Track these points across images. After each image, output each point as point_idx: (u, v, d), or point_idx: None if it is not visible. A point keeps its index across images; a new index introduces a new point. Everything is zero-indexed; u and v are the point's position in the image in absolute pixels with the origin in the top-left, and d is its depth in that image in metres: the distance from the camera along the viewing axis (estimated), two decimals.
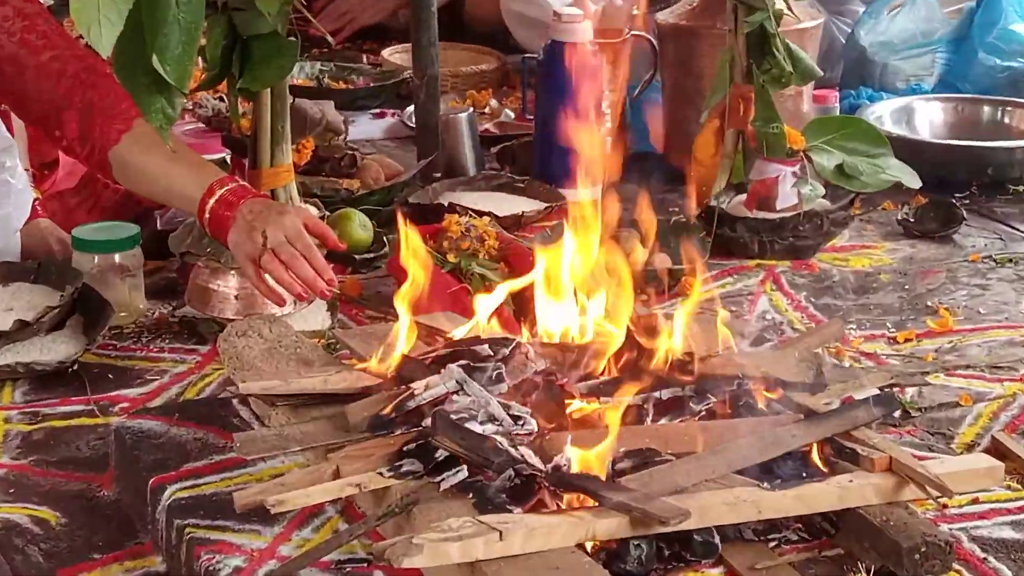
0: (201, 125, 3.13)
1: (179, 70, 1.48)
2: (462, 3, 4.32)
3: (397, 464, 1.75)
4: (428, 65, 3.17)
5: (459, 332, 2.04)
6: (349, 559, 1.70)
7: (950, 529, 1.79)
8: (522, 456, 1.72)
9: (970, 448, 2.10)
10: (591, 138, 3.10)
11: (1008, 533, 1.80)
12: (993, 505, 1.86)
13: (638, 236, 2.69)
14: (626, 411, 1.86)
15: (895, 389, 2.17)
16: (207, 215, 2.27)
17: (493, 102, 3.74)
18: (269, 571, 1.69)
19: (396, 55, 4.01)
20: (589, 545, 1.65)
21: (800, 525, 1.75)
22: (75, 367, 2.35)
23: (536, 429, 1.81)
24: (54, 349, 2.36)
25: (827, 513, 1.74)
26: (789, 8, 2.79)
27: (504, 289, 2.08)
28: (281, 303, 2.34)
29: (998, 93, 3.49)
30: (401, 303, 2.02)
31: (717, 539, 1.69)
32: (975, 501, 1.86)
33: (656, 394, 1.89)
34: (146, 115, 1.47)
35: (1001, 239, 2.94)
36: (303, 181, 2.78)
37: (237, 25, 2.38)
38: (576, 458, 1.72)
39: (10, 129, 2.66)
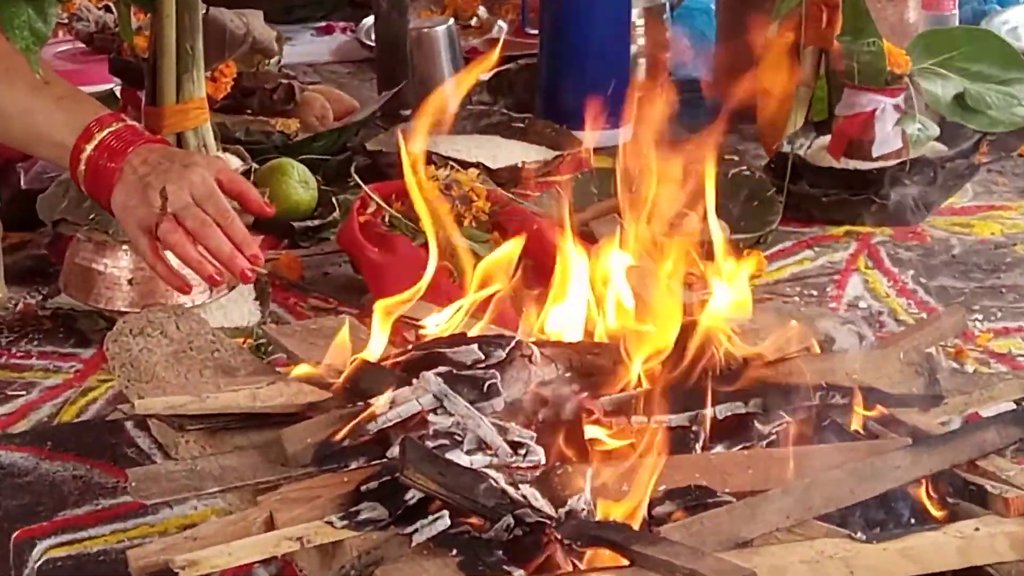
0: (80, 45, 3.14)
1: None
2: None
3: (353, 510, 1.74)
4: None
5: (436, 326, 2.04)
6: None
7: None
8: (524, 498, 1.72)
9: None
10: (618, 61, 3.14)
11: None
12: None
13: (683, 195, 2.72)
14: (668, 435, 1.86)
15: None
16: (82, 167, 2.22)
17: (482, 11, 3.75)
18: None
19: None
20: None
21: None
22: None
23: (544, 461, 1.82)
24: None
25: (945, 574, 1.74)
26: None
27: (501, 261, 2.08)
28: (186, 289, 2.31)
29: None
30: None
31: None
32: None
33: (709, 411, 1.89)
34: (7, 32, 1.46)
35: None
36: (221, 121, 2.80)
37: None
38: (600, 501, 1.72)
39: None
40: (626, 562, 1.67)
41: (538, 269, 2.19)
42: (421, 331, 2.06)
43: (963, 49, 2.87)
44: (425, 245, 2.44)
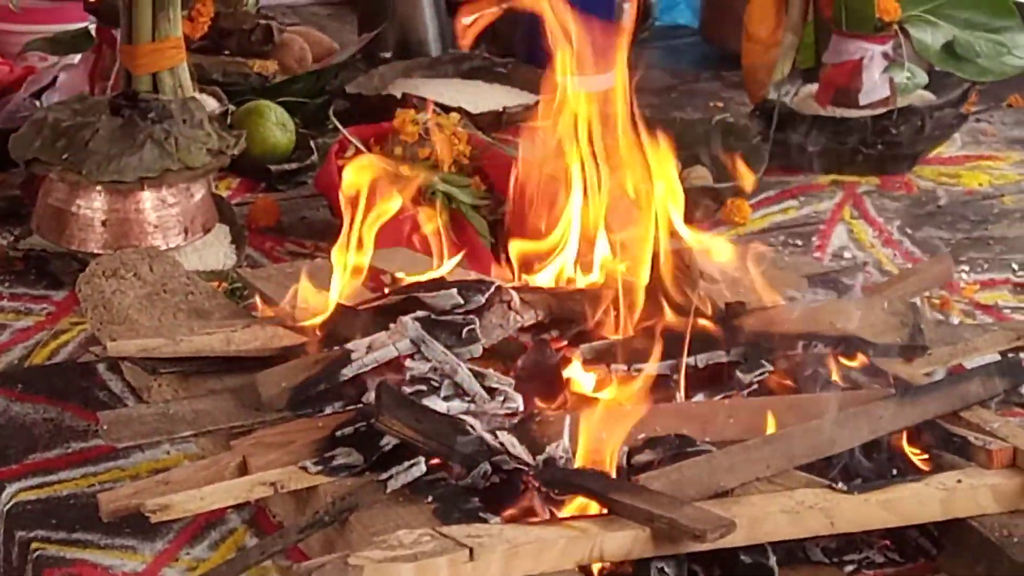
0: None
1: None
2: None
3: (327, 455, 1.75)
4: None
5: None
6: None
7: None
8: (502, 445, 1.72)
9: None
10: (603, 4, 3.13)
11: None
12: None
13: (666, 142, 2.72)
14: (648, 383, 1.87)
15: (1022, 355, 2.19)
16: None
17: None
18: None
19: None
20: (596, 568, 1.66)
21: (888, 542, 1.76)
22: None
23: (522, 408, 1.82)
24: None
25: (926, 526, 1.75)
26: None
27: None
28: None
29: None
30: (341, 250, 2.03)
31: (773, 560, 1.69)
32: None
33: (690, 360, 1.89)
34: None
35: None
36: (199, 62, 2.80)
37: None
38: (579, 448, 1.73)
39: None
40: (604, 510, 1.68)
41: (518, 214, 2.18)
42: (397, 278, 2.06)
43: None
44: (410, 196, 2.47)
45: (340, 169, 2.52)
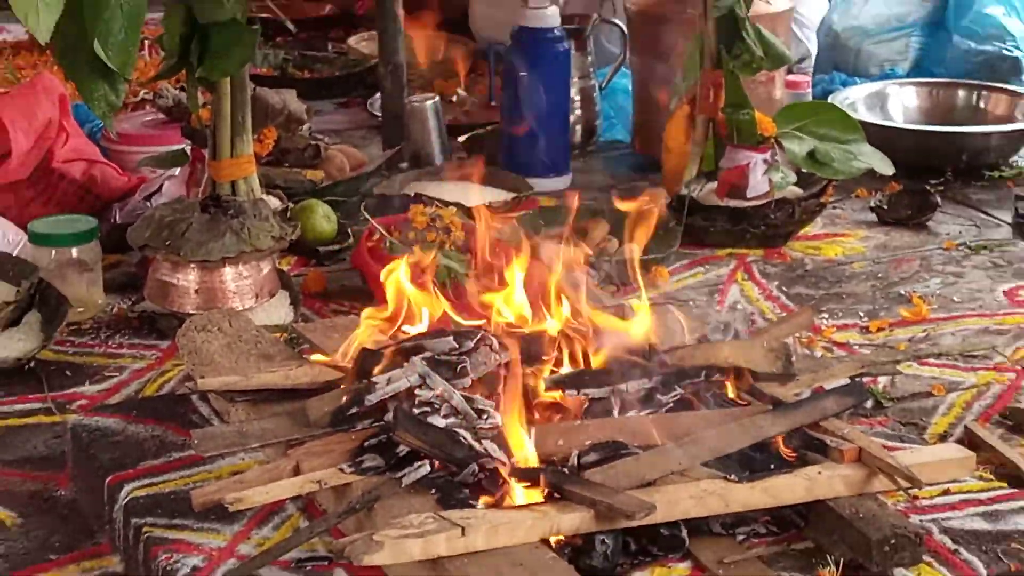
0: (161, 115, 3.13)
1: (122, 56, 1.47)
2: None
3: (358, 460, 1.75)
4: (393, 53, 3.18)
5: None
6: (310, 557, 1.70)
7: (920, 521, 1.78)
8: (486, 450, 1.72)
9: (943, 438, 2.11)
10: (560, 127, 3.14)
11: (979, 524, 1.80)
12: (964, 496, 1.86)
13: (607, 225, 2.72)
14: (593, 404, 1.86)
15: (866, 379, 2.18)
16: None
17: (460, 91, 3.74)
18: (228, 570, 1.68)
19: (363, 43, 4.01)
20: (554, 540, 1.65)
21: (769, 518, 1.75)
22: (32, 364, 2.35)
23: (500, 423, 1.80)
24: (10, 346, 2.35)
25: (796, 506, 1.74)
26: None
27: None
28: None
29: (973, 77, 3.52)
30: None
31: (684, 533, 1.69)
32: (946, 492, 1.86)
33: (623, 386, 1.89)
34: (88, 102, 1.46)
35: (976, 226, 2.95)
36: (265, 172, 2.79)
37: (195, 12, 2.37)
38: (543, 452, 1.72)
39: None
40: (560, 497, 1.68)
41: (501, 278, 2.17)
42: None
43: (814, 118, 2.87)
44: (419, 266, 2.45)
45: (370, 250, 2.53)
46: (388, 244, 2.51)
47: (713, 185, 2.85)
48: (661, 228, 2.66)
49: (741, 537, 1.73)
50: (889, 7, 3.68)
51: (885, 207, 2.99)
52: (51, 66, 3.47)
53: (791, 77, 3.32)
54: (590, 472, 1.71)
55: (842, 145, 2.84)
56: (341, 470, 1.74)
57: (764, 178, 2.81)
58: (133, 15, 1.47)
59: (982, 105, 3.39)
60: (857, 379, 2.10)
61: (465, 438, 1.74)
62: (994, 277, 2.70)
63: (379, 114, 3.34)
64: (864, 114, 3.25)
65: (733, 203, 2.81)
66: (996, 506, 1.83)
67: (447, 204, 2.68)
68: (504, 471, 1.71)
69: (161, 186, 2.81)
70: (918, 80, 3.52)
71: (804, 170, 2.86)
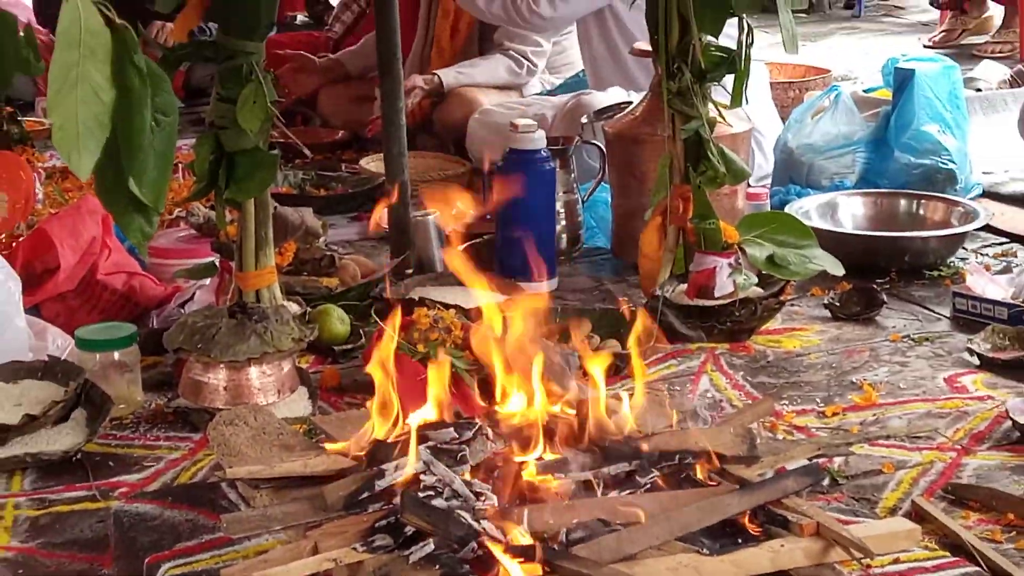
0: (193, 232, 3.15)
1: (155, 192, 1.50)
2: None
3: (370, 539, 1.74)
4: (399, 173, 3.21)
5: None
6: None
7: None
8: (484, 529, 1.73)
9: (892, 512, 2.12)
10: (547, 236, 3.16)
11: None
12: (912, 564, 1.87)
13: (589, 324, 2.73)
14: (579, 485, 1.86)
15: (823, 459, 2.19)
16: None
17: (459, 205, 3.76)
18: None
19: (372, 163, 4.04)
20: None
21: None
22: (79, 456, 2.35)
23: (496, 504, 1.81)
24: (59, 440, 2.36)
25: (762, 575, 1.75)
26: (721, 116, 2.83)
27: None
28: None
29: (913, 188, 3.55)
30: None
31: None
32: (896, 561, 1.87)
33: (605, 470, 1.89)
34: (125, 233, 1.49)
35: (918, 320, 2.96)
36: (286, 281, 2.80)
37: (223, 141, 2.41)
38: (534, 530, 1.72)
39: None
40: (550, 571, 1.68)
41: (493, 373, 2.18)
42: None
43: (773, 226, 2.88)
44: (421, 360, 2.46)
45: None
46: (397, 344, 2.52)
47: (684, 286, 2.86)
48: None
49: None
50: (837, 127, 3.72)
51: (837, 304, 3.00)
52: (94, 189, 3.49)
53: (751, 190, 3.34)
54: (577, 548, 1.71)
55: (798, 250, 2.85)
56: (355, 549, 1.73)
57: (729, 280, 2.82)
58: (164, 155, 1.50)
59: (921, 212, 3.42)
60: (814, 460, 2.11)
61: (465, 518, 1.74)
62: (935, 366, 2.71)
63: (387, 227, 3.36)
64: (817, 221, 3.27)
65: (702, 302, 2.82)
66: (940, 573, 1.84)
67: (448, 307, 2.70)
68: (499, 549, 1.71)
69: (193, 295, 2.83)
70: (864, 191, 3.54)
71: (764, 272, 2.87)
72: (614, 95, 3.80)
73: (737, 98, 2.80)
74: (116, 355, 2.53)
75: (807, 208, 3.36)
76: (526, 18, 3.83)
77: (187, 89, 5.14)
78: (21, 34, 1.41)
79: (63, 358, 2.55)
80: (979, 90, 4.73)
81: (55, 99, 1.38)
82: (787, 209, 3.30)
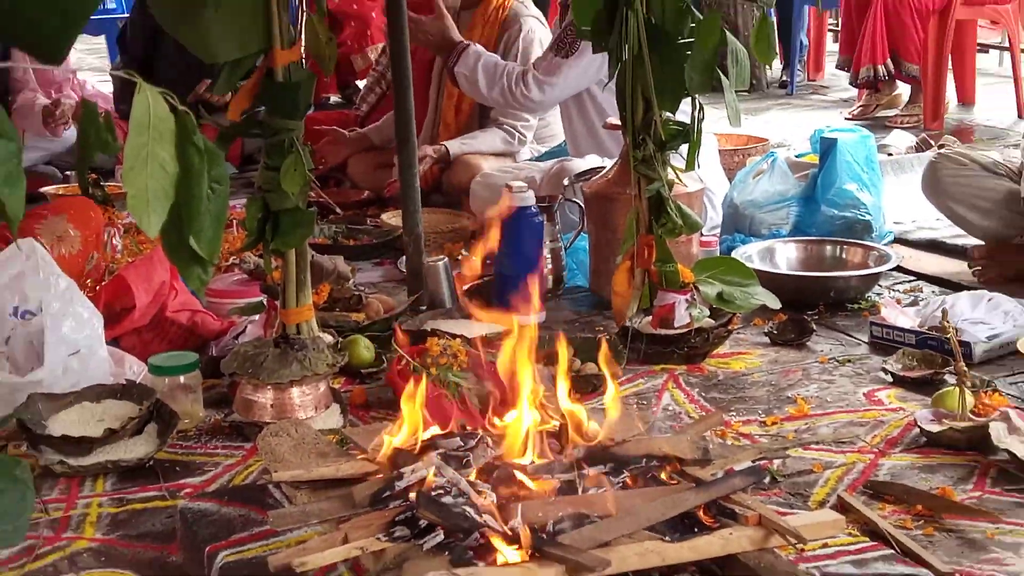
0: (245, 276, 3.16)
1: (211, 248, 1.51)
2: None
3: (391, 531, 1.74)
4: (414, 226, 3.21)
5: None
6: None
7: (807, 568, 1.79)
8: (485, 522, 1.72)
9: (821, 505, 2.12)
10: (535, 277, 3.16)
11: (849, 569, 1.81)
12: (838, 548, 1.87)
13: (573, 349, 2.73)
14: (563, 484, 1.86)
15: (764, 461, 2.19)
16: None
17: (464, 252, 3.77)
18: None
19: (392, 218, 4.05)
20: None
21: (695, 568, 1.74)
22: (151, 462, 2.35)
23: (496, 500, 1.80)
24: (135, 449, 2.36)
25: (715, 559, 1.74)
26: (678, 178, 2.84)
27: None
28: None
29: (836, 236, 3.56)
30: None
31: None
32: (825, 545, 1.87)
33: (584, 471, 1.89)
34: (186, 281, 1.51)
35: (842, 345, 2.97)
36: (321, 316, 2.81)
37: (269, 202, 2.42)
38: (526, 522, 1.72)
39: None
40: (539, 556, 1.67)
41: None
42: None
43: (722, 268, 2.89)
44: (433, 381, 2.46)
45: (399, 372, 2.54)
46: (412, 367, 2.53)
47: (649, 318, 2.87)
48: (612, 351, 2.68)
49: None
50: (773, 186, 3.73)
51: (775, 332, 3.01)
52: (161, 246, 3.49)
53: (704, 238, 3.35)
54: (562, 536, 1.71)
55: (742, 288, 2.86)
56: (378, 539, 1.73)
57: (686, 313, 2.84)
58: (219, 216, 1.51)
59: (843, 256, 3.43)
60: (757, 462, 2.10)
61: (469, 513, 1.73)
62: (856, 383, 2.72)
63: (404, 271, 3.36)
64: (758, 264, 3.28)
65: (664, 331, 2.83)
66: (862, 555, 1.84)
67: (455, 336, 2.70)
68: (498, 538, 1.70)
69: (245, 328, 2.84)
70: (797, 239, 3.55)
71: (715, 306, 2.87)
72: (591, 161, 3.82)
73: (691, 163, 2.81)
74: (182, 379, 2.53)
75: (750, 253, 3.37)
76: (520, 102, 3.85)
77: (242, 157, 5.16)
78: (101, 120, 1.43)
79: (138, 382, 2.55)
80: (890, 155, 4.75)
81: (129, 174, 1.39)
82: (733, 254, 3.31)
